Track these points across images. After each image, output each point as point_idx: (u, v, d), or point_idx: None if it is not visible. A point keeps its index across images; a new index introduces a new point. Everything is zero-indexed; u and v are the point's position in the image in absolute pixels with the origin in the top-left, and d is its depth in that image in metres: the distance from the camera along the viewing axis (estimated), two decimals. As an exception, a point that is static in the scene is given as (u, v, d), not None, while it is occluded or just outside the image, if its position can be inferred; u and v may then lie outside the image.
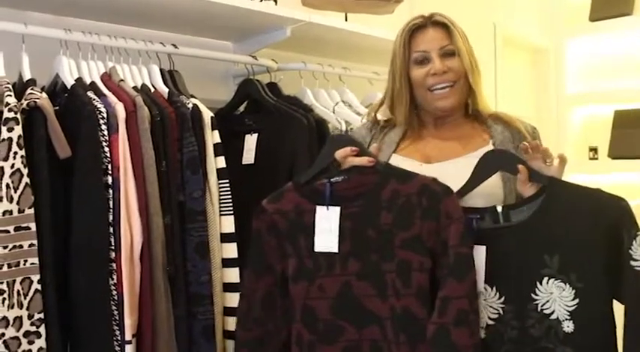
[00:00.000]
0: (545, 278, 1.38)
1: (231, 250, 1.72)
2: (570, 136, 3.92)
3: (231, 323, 1.71)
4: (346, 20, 2.54)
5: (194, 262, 1.64)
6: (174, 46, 1.96)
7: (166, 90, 1.80)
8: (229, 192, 1.73)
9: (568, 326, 1.37)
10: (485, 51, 3.38)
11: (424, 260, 1.38)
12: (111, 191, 1.53)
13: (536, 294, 1.39)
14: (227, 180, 1.73)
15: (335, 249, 1.43)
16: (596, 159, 3.78)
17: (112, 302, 1.52)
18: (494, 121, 1.63)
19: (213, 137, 1.73)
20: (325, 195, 1.44)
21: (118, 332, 1.52)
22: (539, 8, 3.96)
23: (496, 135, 1.60)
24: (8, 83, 1.51)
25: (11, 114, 1.41)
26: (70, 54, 1.73)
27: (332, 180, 1.46)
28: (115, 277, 1.52)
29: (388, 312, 1.40)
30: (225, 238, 1.72)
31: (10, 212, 1.40)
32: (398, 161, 1.62)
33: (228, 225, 1.73)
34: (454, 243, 1.37)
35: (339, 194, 1.45)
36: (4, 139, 1.40)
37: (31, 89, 1.54)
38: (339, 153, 1.47)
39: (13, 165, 1.40)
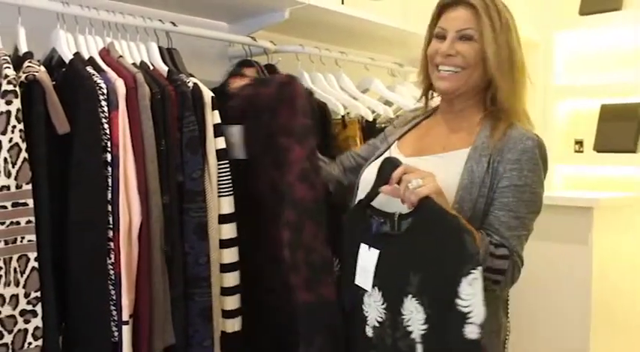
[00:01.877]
0: (410, 296, 1.36)
1: (229, 231, 1.69)
2: (556, 128, 3.94)
3: (229, 302, 1.70)
4: (342, 4, 2.52)
5: (192, 243, 1.61)
6: (173, 23, 1.92)
7: (165, 68, 1.76)
8: (229, 173, 1.70)
9: (419, 350, 1.35)
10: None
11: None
12: (110, 169, 1.50)
13: (404, 309, 1.37)
14: (226, 161, 1.70)
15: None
16: (582, 152, 3.80)
17: (109, 282, 1.49)
18: (491, 124, 1.53)
19: (213, 117, 1.70)
20: None
21: (114, 313, 1.49)
22: (530, 1, 3.96)
23: (478, 139, 1.51)
24: (7, 55, 1.47)
25: (10, 87, 1.37)
26: (66, 28, 1.69)
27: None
28: (112, 256, 1.49)
29: None
30: (224, 219, 1.69)
31: (8, 187, 1.36)
32: (392, 151, 1.64)
33: (227, 205, 1.70)
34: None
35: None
36: (2, 112, 1.36)
37: (29, 62, 1.50)
38: None
39: (11, 139, 1.36)
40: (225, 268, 1.69)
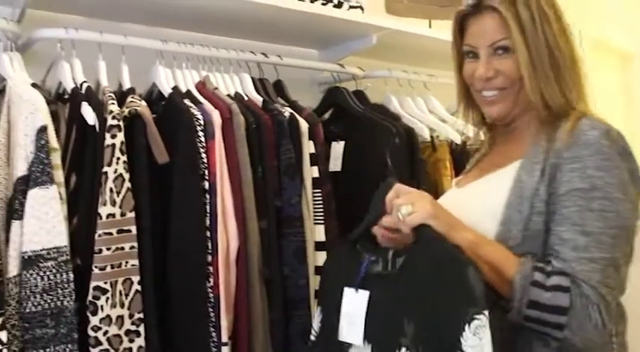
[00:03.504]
0: (404, 349, 1.07)
1: (323, 259, 1.73)
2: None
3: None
4: (430, 27, 2.52)
5: (292, 266, 1.67)
6: (264, 54, 1.99)
7: (260, 98, 1.84)
8: (322, 202, 1.75)
9: None
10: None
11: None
12: (208, 196, 1.57)
13: None
14: (320, 190, 1.75)
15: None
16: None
17: (208, 305, 1.55)
18: (549, 129, 1.22)
19: (309, 146, 1.76)
20: None
21: (214, 334, 1.54)
22: (628, 12, 3.82)
23: (533, 147, 1.22)
24: (112, 92, 1.57)
25: (115, 122, 1.47)
26: (165, 63, 1.78)
27: None
28: (211, 280, 1.55)
29: None
30: (319, 246, 1.74)
31: (113, 215, 1.44)
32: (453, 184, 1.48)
33: (320, 233, 1.75)
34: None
35: None
36: (107, 145, 1.45)
37: (132, 97, 1.60)
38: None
39: (116, 170, 1.45)
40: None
